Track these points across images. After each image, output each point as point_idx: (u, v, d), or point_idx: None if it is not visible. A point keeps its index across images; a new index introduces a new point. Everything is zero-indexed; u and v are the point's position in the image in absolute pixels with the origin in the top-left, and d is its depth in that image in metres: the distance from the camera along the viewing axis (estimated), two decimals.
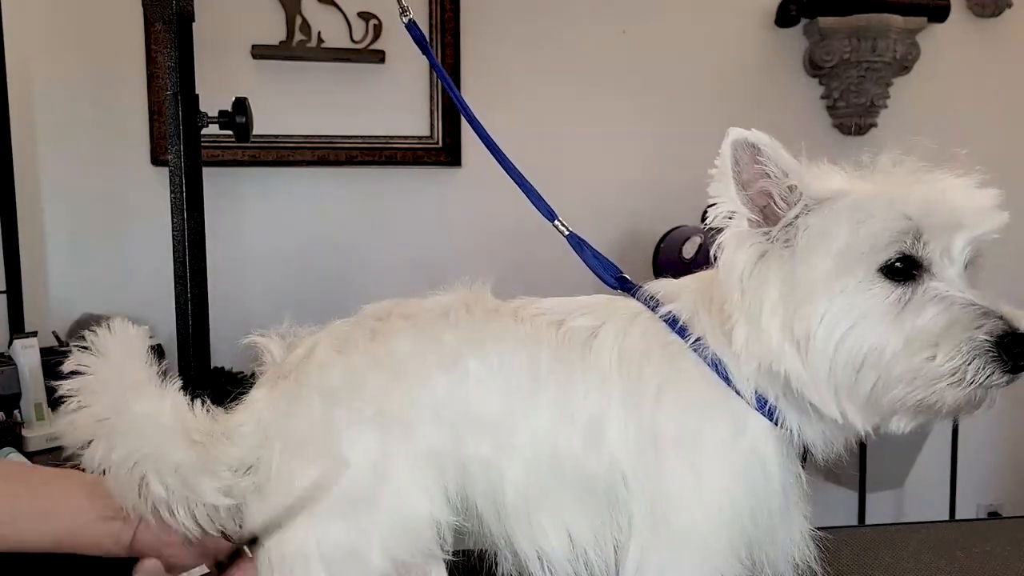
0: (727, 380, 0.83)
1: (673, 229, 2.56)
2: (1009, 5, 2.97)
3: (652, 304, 0.89)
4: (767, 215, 0.82)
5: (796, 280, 0.78)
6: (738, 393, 0.83)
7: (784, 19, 2.82)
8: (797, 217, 0.80)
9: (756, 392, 0.83)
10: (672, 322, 0.86)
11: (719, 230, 0.83)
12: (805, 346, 0.78)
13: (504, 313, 0.90)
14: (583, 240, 1.03)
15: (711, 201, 0.83)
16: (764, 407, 0.83)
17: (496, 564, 0.89)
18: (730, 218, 0.82)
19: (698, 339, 0.84)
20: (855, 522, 2.59)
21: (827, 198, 0.80)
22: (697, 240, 2.38)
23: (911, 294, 0.76)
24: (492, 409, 0.84)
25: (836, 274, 0.77)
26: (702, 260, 2.37)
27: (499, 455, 0.84)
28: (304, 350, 0.88)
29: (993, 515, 3.01)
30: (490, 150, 1.07)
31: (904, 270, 0.77)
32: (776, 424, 0.84)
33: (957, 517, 2.80)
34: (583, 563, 0.85)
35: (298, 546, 0.81)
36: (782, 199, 0.80)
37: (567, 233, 1.04)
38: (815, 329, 0.77)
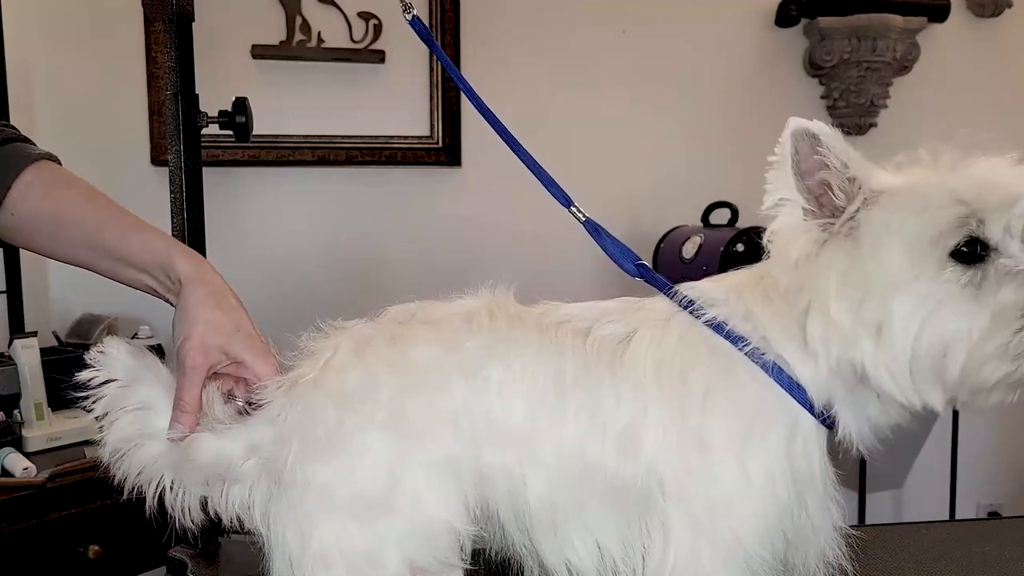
0: (785, 383, 0.83)
1: (673, 229, 2.56)
2: (1009, 5, 2.97)
3: (691, 307, 0.87)
4: (822, 204, 0.82)
5: (866, 272, 0.79)
6: (793, 395, 0.83)
7: (784, 19, 2.82)
8: (859, 210, 0.81)
9: (811, 391, 0.83)
10: (719, 327, 0.85)
11: (771, 218, 0.84)
12: (879, 336, 0.79)
13: (528, 320, 0.88)
14: (600, 226, 1.00)
15: (767, 189, 0.84)
16: (812, 407, 0.83)
17: (521, 573, 0.88)
18: (783, 207, 0.83)
19: (754, 346, 0.84)
20: (855, 522, 2.59)
21: (885, 190, 0.81)
22: (697, 240, 2.38)
23: (983, 274, 0.78)
24: (515, 419, 0.83)
25: (909, 264, 0.78)
26: (702, 260, 2.38)
27: (522, 465, 0.83)
28: (325, 353, 0.88)
29: (993, 515, 3.01)
30: (503, 138, 1.04)
31: (972, 252, 0.78)
32: (823, 423, 0.84)
33: (957, 517, 2.80)
34: (611, 572, 0.84)
35: (318, 545, 0.81)
36: (840, 190, 0.81)
37: (584, 219, 1.02)
38: (893, 320, 0.78)
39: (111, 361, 0.89)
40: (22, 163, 0.94)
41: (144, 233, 0.93)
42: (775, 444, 0.82)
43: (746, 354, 0.83)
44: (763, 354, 0.83)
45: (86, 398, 0.88)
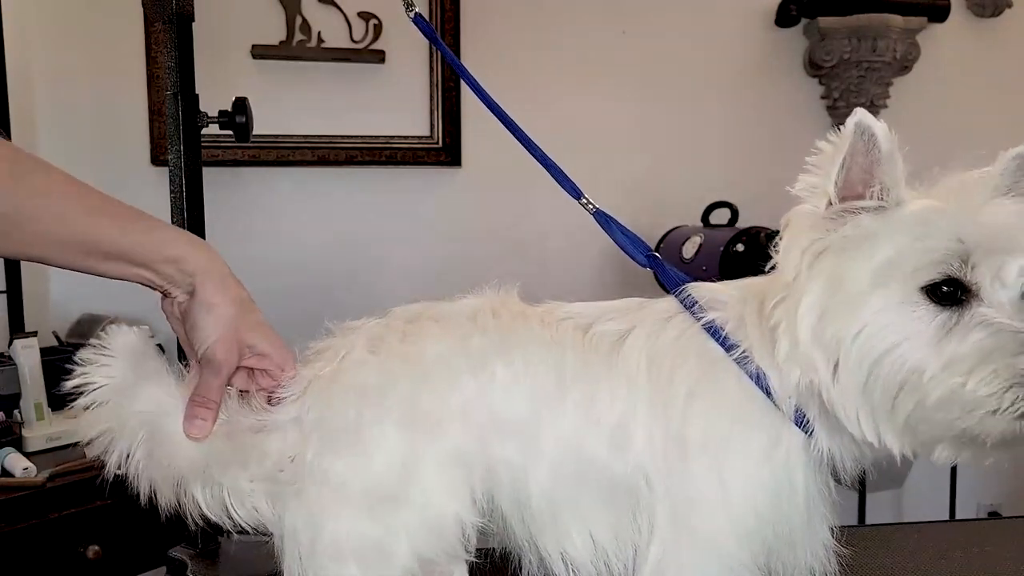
0: (768, 393, 0.81)
1: (673, 229, 2.56)
2: (1009, 5, 2.97)
3: (693, 308, 0.87)
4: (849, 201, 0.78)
5: (838, 281, 0.76)
6: (778, 406, 0.81)
7: (784, 19, 2.82)
8: (862, 211, 0.76)
9: (796, 407, 0.81)
10: (714, 331, 0.84)
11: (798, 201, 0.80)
12: (835, 359, 0.75)
13: (531, 317, 0.90)
14: (611, 217, 1.00)
15: (808, 169, 0.79)
16: (802, 421, 0.82)
17: (520, 566, 0.89)
18: (811, 193, 0.78)
19: (744, 352, 0.82)
20: (855, 522, 2.58)
21: (902, 205, 0.76)
22: (697, 240, 2.38)
23: (957, 319, 0.73)
24: (518, 412, 0.84)
25: (876, 287, 0.74)
26: (702, 260, 2.38)
27: (525, 458, 0.84)
28: (341, 350, 0.88)
29: (993, 515, 3.01)
30: (511, 131, 1.05)
31: (951, 294, 0.73)
32: (811, 437, 0.83)
33: (957, 517, 2.80)
34: (605, 565, 0.85)
35: (330, 538, 0.82)
36: (868, 192, 0.77)
37: (594, 210, 1.02)
38: (848, 344, 0.74)
39: (112, 355, 0.86)
40: None
41: (141, 222, 0.85)
42: (754, 453, 0.81)
43: (735, 361, 0.83)
44: (750, 362, 0.82)
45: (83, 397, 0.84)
